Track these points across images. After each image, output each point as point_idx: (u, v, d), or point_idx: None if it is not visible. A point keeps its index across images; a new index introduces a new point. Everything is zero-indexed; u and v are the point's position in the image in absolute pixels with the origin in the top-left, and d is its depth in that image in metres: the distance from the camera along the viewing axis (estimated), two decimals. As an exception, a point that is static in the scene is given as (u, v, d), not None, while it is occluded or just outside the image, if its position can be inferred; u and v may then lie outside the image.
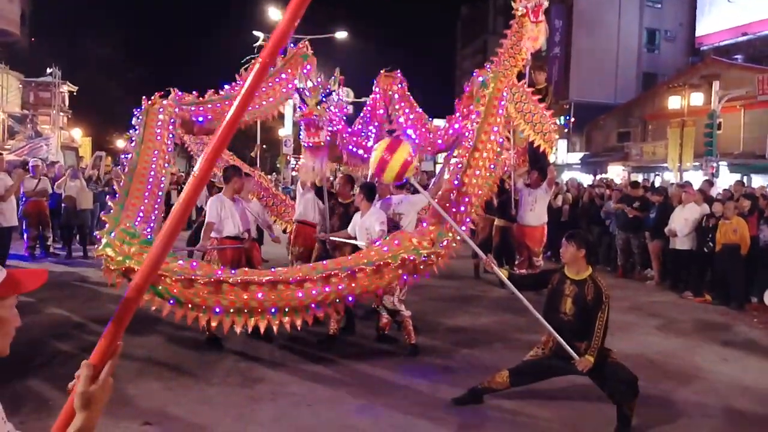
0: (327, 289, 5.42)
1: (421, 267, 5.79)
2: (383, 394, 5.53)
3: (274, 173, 30.22)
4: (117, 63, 46.41)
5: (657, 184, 17.85)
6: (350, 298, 5.62)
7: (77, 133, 39.92)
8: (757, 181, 20.76)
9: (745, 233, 9.41)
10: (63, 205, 12.67)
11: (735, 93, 21.84)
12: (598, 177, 25.32)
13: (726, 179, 19.87)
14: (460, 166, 6.62)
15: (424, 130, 8.48)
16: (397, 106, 8.66)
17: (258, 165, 12.47)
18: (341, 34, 28.81)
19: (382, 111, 8.94)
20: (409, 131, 8.49)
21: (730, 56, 29.39)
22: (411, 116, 8.58)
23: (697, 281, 10.32)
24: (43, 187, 12.21)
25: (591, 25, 36.42)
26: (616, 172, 28.62)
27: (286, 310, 5.47)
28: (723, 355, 7.12)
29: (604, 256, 13.06)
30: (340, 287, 5.46)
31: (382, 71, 8.99)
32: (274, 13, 26.06)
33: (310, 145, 7.51)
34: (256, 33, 26.38)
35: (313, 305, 5.49)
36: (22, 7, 37.69)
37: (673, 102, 23.54)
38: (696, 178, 19.38)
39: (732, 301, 9.55)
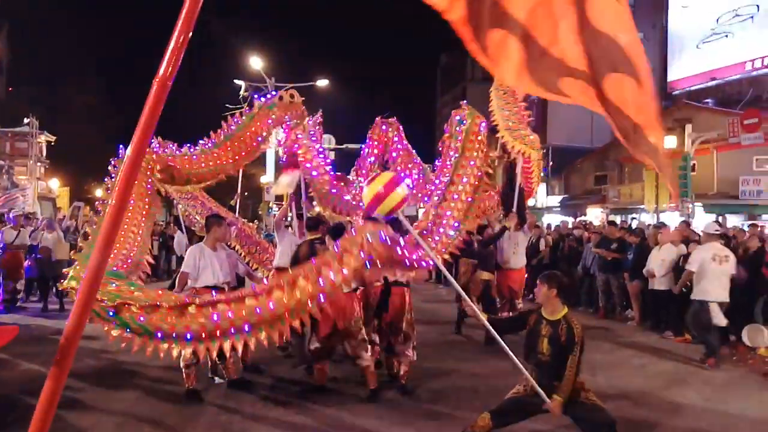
0: (296, 293, 5.26)
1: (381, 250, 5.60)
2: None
3: (255, 221, 30.13)
4: (96, 112, 46.66)
5: (634, 226, 18.05)
6: (321, 298, 5.39)
7: (55, 184, 39.65)
8: (732, 220, 21.11)
9: (721, 273, 9.51)
10: (38, 256, 12.54)
11: (707, 136, 22.37)
12: (578, 219, 25.60)
13: (702, 220, 20.16)
14: (436, 198, 6.68)
15: (421, 179, 8.56)
16: (394, 154, 8.73)
17: (238, 213, 12.44)
18: (322, 82, 29.14)
19: (372, 159, 8.99)
20: (407, 180, 8.60)
21: (701, 100, 30.18)
22: (409, 164, 8.67)
23: (676, 321, 10.37)
24: (22, 239, 12.14)
25: (565, 71, 37.26)
26: (595, 215, 28.97)
27: (260, 327, 5.21)
28: (705, 394, 7.14)
29: (586, 298, 13.13)
30: (309, 289, 5.30)
31: (378, 118, 9.03)
32: (256, 63, 26.38)
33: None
34: (237, 82, 26.66)
35: (286, 314, 5.27)
36: (0, 57, 37.84)
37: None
38: (673, 219, 19.66)
39: (712, 340, 9.59)
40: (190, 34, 1.58)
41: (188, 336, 4.97)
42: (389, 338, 7.05)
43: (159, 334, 4.94)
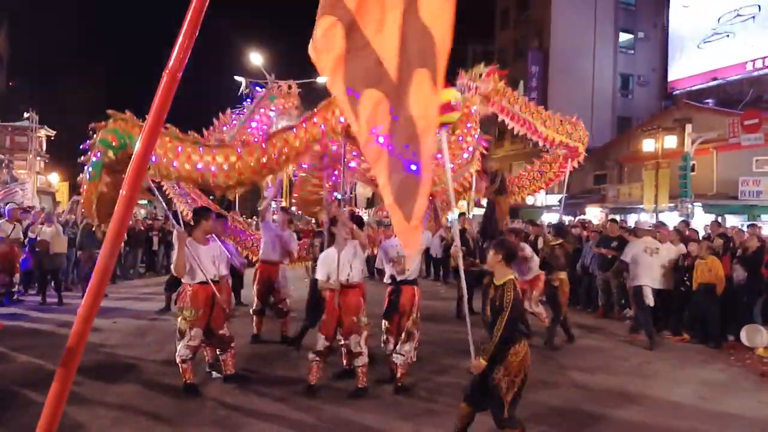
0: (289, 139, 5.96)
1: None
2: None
3: (254, 216, 30.04)
4: (96, 107, 46.54)
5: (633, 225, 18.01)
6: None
7: (54, 178, 39.65)
8: (731, 221, 21.09)
9: (720, 273, 9.54)
10: (36, 249, 12.52)
11: (707, 136, 22.33)
12: (577, 218, 25.57)
13: (701, 220, 20.15)
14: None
15: None
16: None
17: (237, 208, 12.43)
18: (323, 79, 29.01)
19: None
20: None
21: (701, 100, 30.15)
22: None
23: (675, 320, 10.39)
24: (17, 233, 12.08)
25: (567, 70, 37.28)
26: (594, 214, 28.89)
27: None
28: (701, 393, 7.14)
29: (585, 297, 13.10)
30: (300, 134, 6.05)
31: None
32: (256, 58, 26.31)
33: None
34: (237, 78, 26.57)
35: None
36: (0, 51, 37.81)
37: (648, 145, 23.94)
38: (671, 219, 19.66)
39: (709, 339, 9.61)
40: (199, 26, 1.58)
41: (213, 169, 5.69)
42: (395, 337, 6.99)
43: (199, 166, 5.59)
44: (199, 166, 5.59)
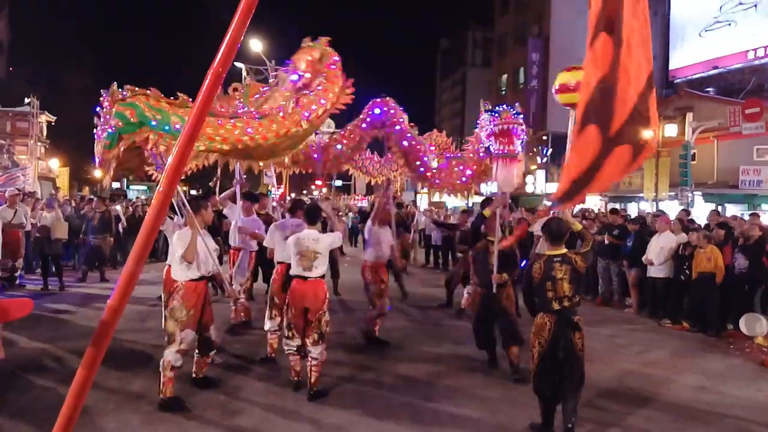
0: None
1: None
2: (363, 427, 5.48)
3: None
4: (96, 94, 46.28)
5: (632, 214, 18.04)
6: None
7: (55, 164, 39.61)
8: (731, 210, 21.08)
9: (719, 262, 9.56)
10: (37, 234, 12.52)
11: (708, 124, 22.28)
12: (578, 207, 25.54)
13: (701, 209, 20.15)
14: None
15: (417, 163, 8.41)
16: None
17: (216, 195, 12.23)
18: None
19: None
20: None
21: (702, 89, 30.02)
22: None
23: (674, 309, 10.42)
24: (19, 219, 12.04)
25: (567, 58, 36.89)
26: (594, 202, 28.90)
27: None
28: (700, 382, 7.17)
29: (585, 285, 13.11)
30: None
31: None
32: (255, 45, 26.21)
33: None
34: (237, 64, 26.52)
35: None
36: (0, 36, 37.67)
37: (648, 133, 23.93)
38: (672, 208, 19.65)
39: (709, 328, 9.65)
40: (246, 26, 1.62)
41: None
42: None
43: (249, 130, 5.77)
44: (249, 130, 5.89)
